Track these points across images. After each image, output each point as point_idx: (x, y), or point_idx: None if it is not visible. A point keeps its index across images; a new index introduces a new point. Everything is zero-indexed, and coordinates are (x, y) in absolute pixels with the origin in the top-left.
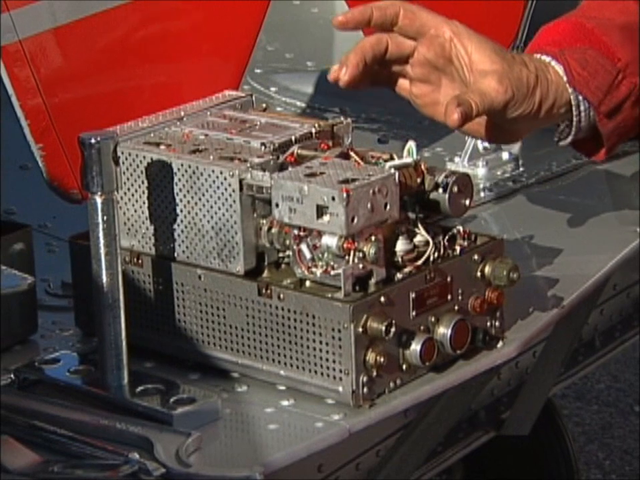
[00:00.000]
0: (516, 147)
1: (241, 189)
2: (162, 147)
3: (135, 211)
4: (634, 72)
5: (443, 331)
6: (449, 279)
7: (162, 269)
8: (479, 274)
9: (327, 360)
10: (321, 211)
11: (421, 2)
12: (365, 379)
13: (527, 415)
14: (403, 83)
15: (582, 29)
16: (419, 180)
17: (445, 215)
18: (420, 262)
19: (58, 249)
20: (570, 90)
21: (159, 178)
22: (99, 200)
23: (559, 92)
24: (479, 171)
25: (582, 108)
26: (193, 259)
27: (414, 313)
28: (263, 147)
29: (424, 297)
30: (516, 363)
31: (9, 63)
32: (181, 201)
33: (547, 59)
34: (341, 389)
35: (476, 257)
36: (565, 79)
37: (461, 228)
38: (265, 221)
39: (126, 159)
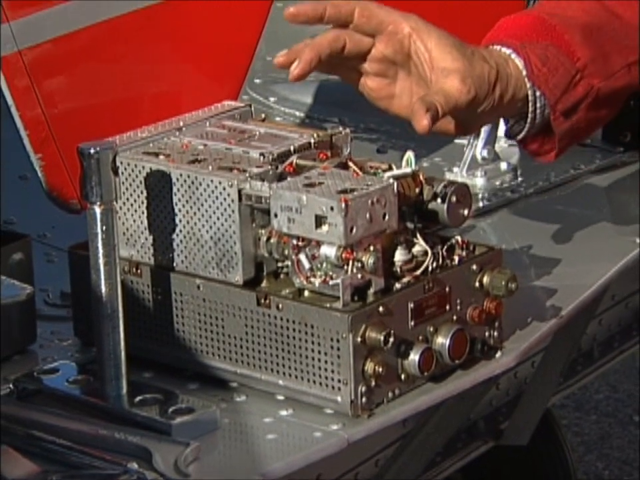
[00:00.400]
0: (514, 157)
1: (239, 199)
2: (161, 157)
3: (134, 221)
4: (592, 74)
5: (442, 340)
6: (447, 289)
7: (161, 278)
8: (477, 284)
9: (326, 370)
10: (319, 221)
11: (421, 2)
12: (363, 388)
13: (525, 425)
14: (356, 77)
15: (544, 25)
16: (417, 190)
17: (443, 225)
18: (418, 272)
19: (57, 259)
20: (528, 85)
21: (158, 188)
22: (98, 210)
23: (517, 86)
24: (478, 181)
25: (538, 104)
26: (192, 268)
27: (412, 323)
28: (261, 157)
29: (422, 306)
30: (514, 373)
31: (9, 73)
32: (179, 210)
33: (507, 51)
34: (339, 398)
35: (474, 267)
36: (524, 73)
37: (459, 238)
38: (263, 231)
39: (125, 169)
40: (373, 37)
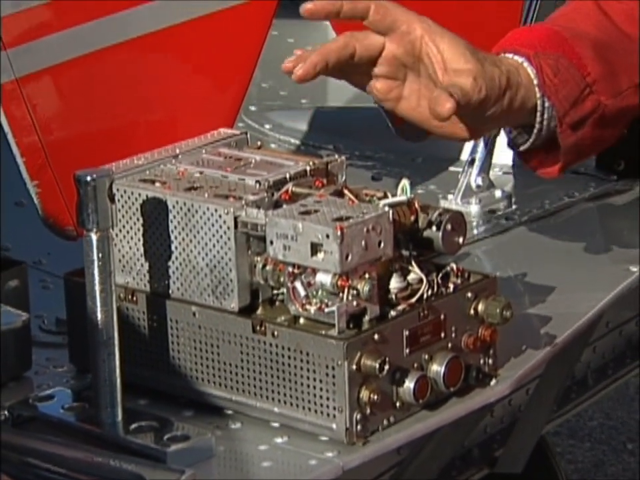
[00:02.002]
0: (509, 185)
1: (235, 226)
2: (157, 184)
3: (130, 248)
4: (600, 90)
5: (437, 368)
6: (442, 317)
7: (156, 305)
8: (472, 312)
9: (321, 397)
10: (315, 248)
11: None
12: (358, 416)
13: (520, 453)
14: (364, 79)
15: (556, 36)
16: (412, 218)
17: (438, 252)
18: (413, 299)
19: (53, 286)
20: (538, 95)
21: (154, 215)
22: (94, 237)
23: (527, 95)
24: (472, 209)
25: (546, 115)
26: (188, 295)
27: (407, 351)
28: (257, 185)
29: (417, 334)
30: (509, 400)
31: (6, 101)
32: (175, 238)
33: (519, 59)
34: (334, 426)
35: (469, 294)
36: (535, 82)
37: (454, 266)
38: (259, 258)
39: (121, 196)
40: (384, 35)
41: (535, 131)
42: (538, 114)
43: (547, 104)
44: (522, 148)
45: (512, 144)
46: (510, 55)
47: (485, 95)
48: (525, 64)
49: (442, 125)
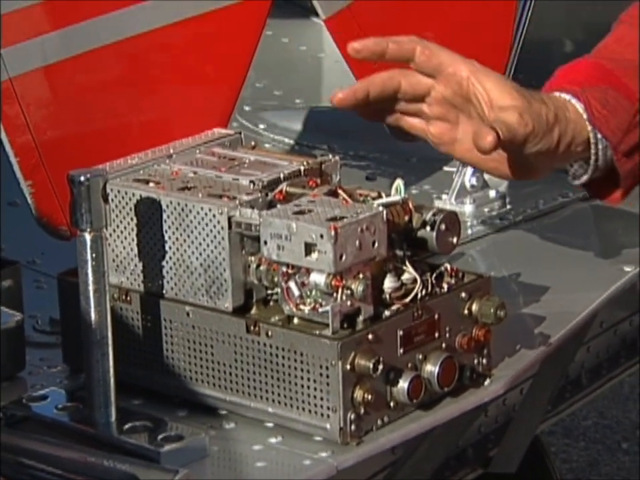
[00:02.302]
0: (503, 185)
1: (229, 226)
2: (151, 184)
3: (124, 248)
4: None
5: (431, 368)
6: (436, 317)
7: (150, 305)
8: (466, 311)
9: (315, 397)
10: (309, 248)
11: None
12: (352, 416)
13: (514, 452)
14: (417, 123)
15: (601, 70)
16: (406, 218)
17: (432, 252)
18: (407, 299)
19: (46, 286)
20: (589, 128)
21: (148, 215)
22: (87, 237)
23: (577, 130)
24: (467, 209)
25: (600, 146)
26: (182, 295)
27: (401, 351)
28: (251, 185)
29: (411, 334)
30: (503, 400)
31: None
32: (169, 238)
33: (566, 96)
34: (328, 426)
35: (463, 294)
36: (584, 116)
37: (448, 265)
38: (253, 258)
39: (115, 196)
40: (431, 78)
41: (592, 162)
42: (592, 146)
43: (599, 135)
44: (583, 180)
45: (573, 178)
46: (557, 94)
47: (532, 129)
48: (573, 100)
49: (498, 166)
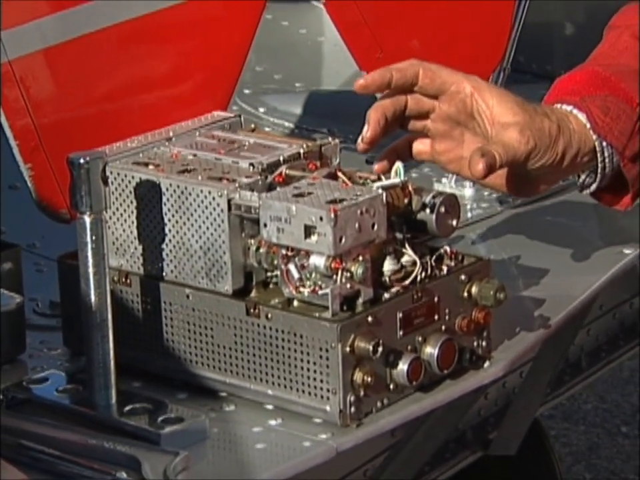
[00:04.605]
0: None
1: (229, 208)
2: (151, 167)
3: (124, 231)
4: None
5: (430, 350)
6: (436, 299)
7: (150, 288)
8: (465, 294)
9: (315, 379)
10: (308, 231)
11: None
12: (352, 398)
13: (514, 435)
14: (423, 148)
15: (598, 77)
16: (406, 200)
17: (432, 235)
18: (407, 282)
19: (46, 269)
20: (594, 137)
21: (148, 198)
22: (87, 220)
23: (582, 140)
24: (466, 192)
25: (606, 154)
26: (181, 278)
27: (401, 333)
28: (251, 167)
29: (411, 316)
30: (503, 382)
31: None
32: (169, 220)
33: (567, 108)
34: (328, 408)
35: (463, 277)
36: (588, 126)
37: (448, 248)
38: (253, 241)
39: (115, 178)
40: (436, 98)
41: (599, 170)
42: (599, 154)
43: (604, 143)
44: (592, 189)
45: (582, 188)
46: (558, 106)
47: (534, 145)
48: (575, 111)
49: (504, 184)
